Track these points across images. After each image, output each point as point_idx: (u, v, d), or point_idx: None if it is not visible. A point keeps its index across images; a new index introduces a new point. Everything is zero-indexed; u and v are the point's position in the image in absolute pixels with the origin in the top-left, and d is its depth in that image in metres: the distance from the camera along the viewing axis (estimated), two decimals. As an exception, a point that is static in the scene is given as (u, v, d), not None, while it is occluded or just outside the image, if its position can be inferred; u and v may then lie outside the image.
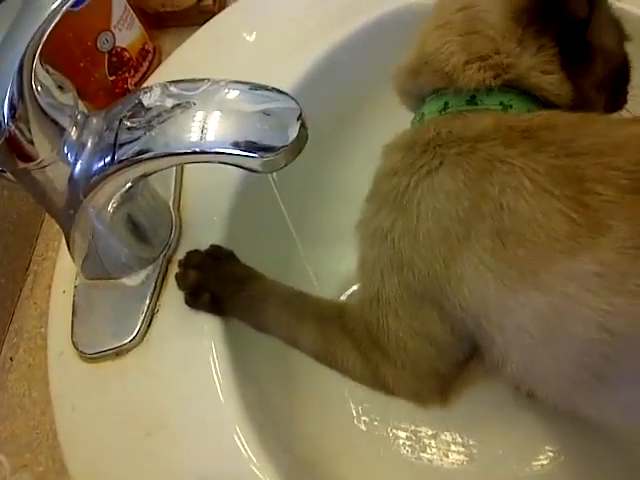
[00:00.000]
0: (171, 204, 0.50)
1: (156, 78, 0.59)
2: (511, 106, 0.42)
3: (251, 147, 0.36)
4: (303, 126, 0.36)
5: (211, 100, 0.37)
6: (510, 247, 0.36)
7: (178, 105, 0.37)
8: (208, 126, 0.36)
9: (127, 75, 0.64)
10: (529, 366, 0.39)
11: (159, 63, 0.67)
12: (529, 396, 0.44)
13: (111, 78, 0.63)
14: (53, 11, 0.32)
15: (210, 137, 0.36)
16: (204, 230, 0.49)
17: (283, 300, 0.48)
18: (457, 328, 0.41)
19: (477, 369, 0.45)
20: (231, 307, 0.47)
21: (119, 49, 0.62)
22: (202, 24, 0.61)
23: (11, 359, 0.54)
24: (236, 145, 0.36)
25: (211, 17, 0.62)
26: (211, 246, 0.48)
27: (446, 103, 0.44)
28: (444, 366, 0.44)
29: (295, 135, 0.36)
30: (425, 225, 0.39)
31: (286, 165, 0.37)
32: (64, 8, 0.33)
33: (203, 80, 0.38)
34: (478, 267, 0.37)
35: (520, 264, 0.36)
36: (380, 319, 0.44)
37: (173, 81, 0.38)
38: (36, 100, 0.35)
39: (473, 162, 0.38)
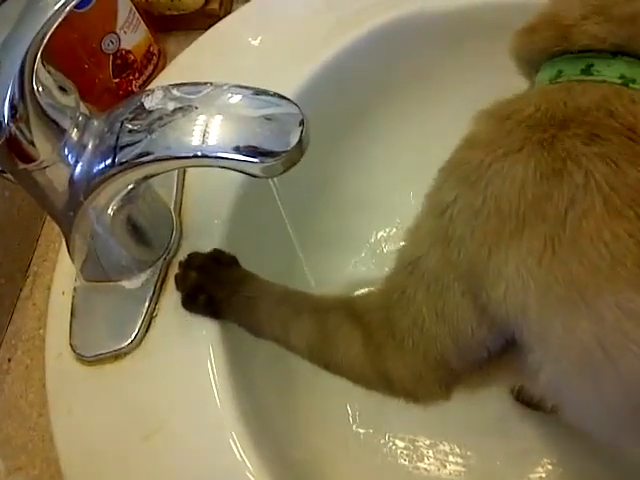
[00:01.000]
0: (172, 207, 0.50)
1: (161, 81, 0.59)
2: (634, 80, 0.36)
3: (252, 152, 0.36)
4: (304, 132, 0.36)
5: (213, 104, 0.37)
6: (563, 260, 0.33)
7: (180, 108, 0.36)
8: (209, 130, 0.36)
9: (131, 77, 0.64)
10: (565, 389, 0.36)
11: (164, 66, 0.67)
12: (551, 411, 0.42)
13: (115, 80, 0.63)
14: (55, 12, 0.32)
15: (211, 141, 0.36)
16: (205, 234, 0.49)
17: (279, 297, 0.47)
18: (486, 323, 0.37)
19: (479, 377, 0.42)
20: (227, 309, 0.46)
21: (124, 51, 0.62)
22: (207, 28, 0.61)
23: (9, 360, 0.53)
24: (237, 150, 0.36)
25: (217, 21, 0.62)
26: (214, 250, 0.48)
27: (559, 71, 0.39)
28: (456, 359, 0.40)
29: (296, 141, 0.36)
30: (487, 209, 0.36)
31: (287, 171, 0.37)
32: (67, 9, 0.33)
33: (205, 84, 0.37)
34: (519, 269, 0.34)
35: (571, 281, 0.32)
36: (409, 288, 0.40)
37: (175, 84, 0.38)
38: (37, 101, 0.35)
39: (549, 157, 0.34)
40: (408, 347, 0.40)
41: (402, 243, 0.43)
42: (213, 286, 0.46)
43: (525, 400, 0.53)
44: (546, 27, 0.40)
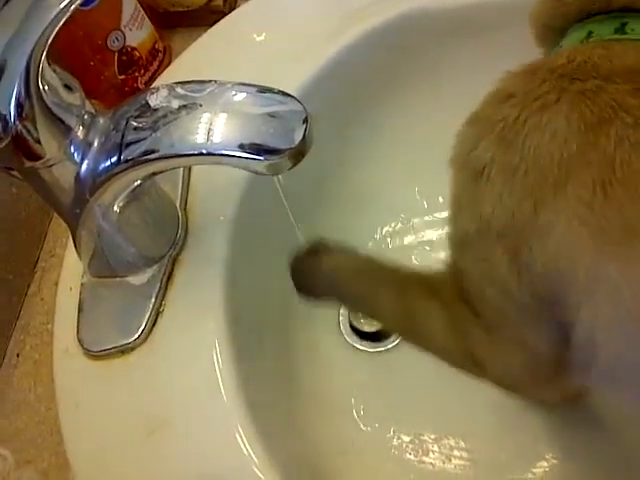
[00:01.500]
0: (178, 204, 0.50)
1: (166, 77, 0.59)
2: None
3: (256, 150, 0.36)
4: (308, 129, 0.36)
5: (217, 102, 0.37)
6: (616, 202, 0.31)
7: (184, 106, 0.37)
8: (214, 128, 0.36)
9: (137, 74, 0.64)
10: (622, 354, 0.33)
11: (169, 62, 0.67)
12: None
13: (121, 77, 0.63)
14: (60, 11, 0.32)
15: (216, 139, 0.37)
16: (210, 230, 0.50)
17: (354, 271, 0.46)
18: (530, 284, 0.35)
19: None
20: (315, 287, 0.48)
21: (129, 48, 0.62)
22: (212, 24, 0.61)
23: (17, 355, 0.54)
24: (241, 147, 0.36)
25: (221, 17, 0.62)
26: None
27: (590, 32, 0.37)
28: (529, 334, 0.37)
29: (300, 138, 0.36)
30: (525, 164, 0.34)
31: (292, 168, 0.37)
32: (72, 8, 0.33)
33: (210, 82, 0.38)
34: (571, 220, 0.32)
35: (627, 224, 0.30)
36: (460, 260, 0.39)
37: (180, 82, 0.38)
38: (43, 99, 0.35)
39: (594, 106, 0.33)
40: (484, 324, 0.38)
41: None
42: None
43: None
44: None
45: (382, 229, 0.66)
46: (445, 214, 0.64)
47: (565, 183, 0.32)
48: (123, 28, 0.61)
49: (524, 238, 0.34)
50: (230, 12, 0.64)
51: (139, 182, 0.41)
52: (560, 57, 0.36)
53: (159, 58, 0.66)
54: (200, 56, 0.60)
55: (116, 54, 0.61)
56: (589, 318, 0.32)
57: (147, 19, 0.64)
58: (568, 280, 0.32)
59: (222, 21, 0.62)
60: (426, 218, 0.65)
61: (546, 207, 0.33)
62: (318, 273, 0.48)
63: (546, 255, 0.33)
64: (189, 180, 0.52)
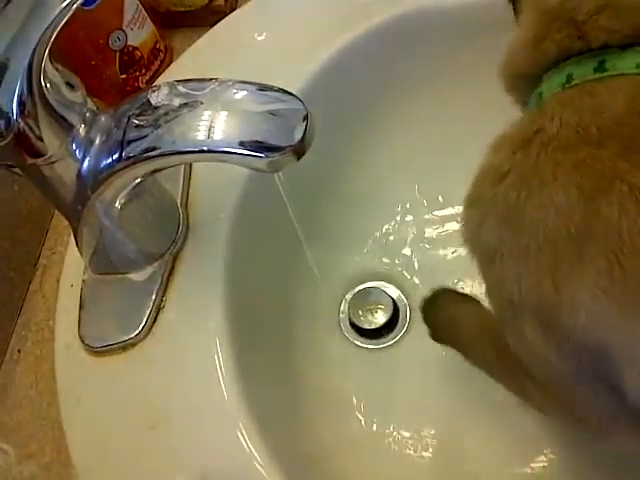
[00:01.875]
0: (179, 201, 0.51)
1: (167, 77, 0.60)
2: None
3: (257, 147, 0.37)
4: (309, 127, 0.37)
5: (218, 100, 0.37)
6: (632, 271, 0.31)
7: (185, 104, 0.37)
8: (215, 125, 0.37)
9: (138, 73, 0.65)
10: None
11: (170, 62, 0.68)
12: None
13: (122, 76, 0.63)
14: (62, 10, 0.33)
15: (216, 136, 0.37)
16: (211, 227, 0.50)
17: (472, 328, 0.48)
18: (575, 353, 0.35)
19: None
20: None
21: (130, 48, 0.62)
22: (213, 24, 0.62)
23: (19, 351, 0.54)
24: (242, 145, 0.37)
25: (222, 17, 0.62)
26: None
27: (569, 75, 0.36)
28: (567, 390, 0.38)
29: (301, 136, 0.36)
30: (536, 242, 0.34)
31: (292, 164, 0.38)
32: (73, 7, 0.33)
33: (210, 80, 0.38)
34: (595, 292, 0.32)
35: None
36: (503, 333, 0.40)
37: (181, 80, 0.38)
38: (45, 97, 0.36)
39: (590, 177, 0.33)
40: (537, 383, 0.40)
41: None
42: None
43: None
44: (557, 30, 0.37)
45: (382, 227, 0.66)
46: (445, 212, 0.65)
47: (579, 257, 0.33)
48: (125, 28, 0.61)
49: (552, 315, 0.34)
50: (231, 12, 0.64)
51: (140, 179, 0.42)
52: (551, 121, 0.36)
53: (160, 58, 0.67)
54: (201, 56, 0.60)
55: (117, 54, 0.62)
56: (634, 381, 0.33)
57: (148, 19, 0.64)
58: (606, 347, 0.33)
59: (223, 21, 0.62)
60: (426, 216, 0.66)
61: (566, 283, 0.33)
62: (438, 322, 0.51)
63: (580, 329, 0.33)
64: (190, 177, 0.53)
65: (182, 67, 0.60)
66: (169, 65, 0.65)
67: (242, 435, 0.42)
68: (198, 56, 0.60)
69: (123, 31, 0.61)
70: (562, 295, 0.33)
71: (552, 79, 0.38)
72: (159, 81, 0.61)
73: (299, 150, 0.37)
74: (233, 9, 0.68)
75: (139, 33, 0.63)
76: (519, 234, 0.35)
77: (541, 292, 0.34)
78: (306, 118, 0.37)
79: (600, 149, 0.33)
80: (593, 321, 0.33)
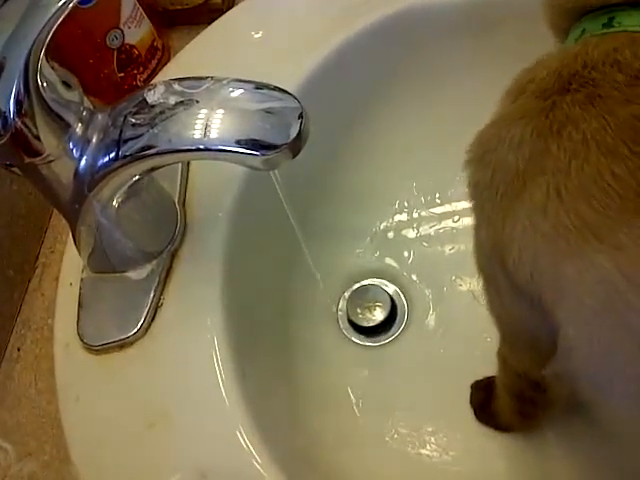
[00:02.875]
0: (176, 199, 0.51)
1: (165, 75, 0.60)
2: None
3: (253, 145, 0.37)
4: (304, 124, 0.37)
5: (214, 98, 0.37)
6: (570, 205, 0.32)
7: (181, 102, 0.37)
8: (210, 123, 0.37)
9: (136, 72, 0.65)
10: (586, 336, 0.33)
11: (168, 60, 0.68)
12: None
13: (120, 75, 0.63)
14: (58, 9, 0.33)
15: (212, 135, 0.37)
16: (208, 226, 0.50)
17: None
18: (516, 292, 0.36)
19: None
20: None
21: (128, 46, 0.62)
22: (211, 22, 0.62)
23: (18, 349, 0.55)
24: (238, 143, 0.37)
25: (220, 15, 0.62)
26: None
27: (583, 30, 0.38)
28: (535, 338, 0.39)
29: (296, 133, 0.37)
30: (496, 179, 0.35)
31: (290, 161, 0.38)
32: (70, 6, 0.34)
33: (206, 78, 0.38)
34: (525, 226, 0.33)
35: (582, 224, 0.31)
36: (484, 284, 0.41)
37: (177, 79, 0.39)
38: (42, 96, 0.36)
39: (547, 120, 0.34)
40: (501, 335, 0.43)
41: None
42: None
43: (485, 419, 0.55)
44: None
45: (380, 224, 0.66)
46: (442, 209, 0.65)
47: (522, 192, 0.34)
48: (122, 26, 0.61)
49: (502, 252, 0.35)
50: (228, 10, 0.64)
51: (137, 178, 0.42)
52: (543, 69, 0.37)
53: (158, 56, 0.67)
54: (199, 53, 0.60)
55: (115, 52, 0.62)
56: (562, 319, 0.33)
57: (146, 17, 0.64)
58: (538, 283, 0.34)
59: (220, 19, 0.62)
60: (424, 214, 0.66)
61: (508, 218, 0.34)
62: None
63: (514, 264, 0.34)
64: (188, 175, 0.53)
65: (180, 65, 0.60)
66: (167, 63, 0.65)
67: (240, 433, 0.42)
68: (195, 54, 0.60)
69: (120, 29, 0.61)
70: (505, 229, 0.34)
71: (572, 33, 0.39)
72: (157, 79, 0.61)
73: (294, 148, 0.37)
74: (230, 7, 0.68)
75: (136, 31, 0.63)
76: (486, 169, 0.36)
77: (496, 229, 0.35)
78: (301, 116, 0.37)
79: (565, 95, 0.35)
80: (524, 255, 0.33)
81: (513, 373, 0.44)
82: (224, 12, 0.63)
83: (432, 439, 0.55)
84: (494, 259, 0.36)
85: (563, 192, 0.32)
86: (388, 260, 0.65)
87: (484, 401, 0.54)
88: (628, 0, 0.37)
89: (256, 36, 0.60)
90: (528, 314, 0.36)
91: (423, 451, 0.55)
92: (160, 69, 0.66)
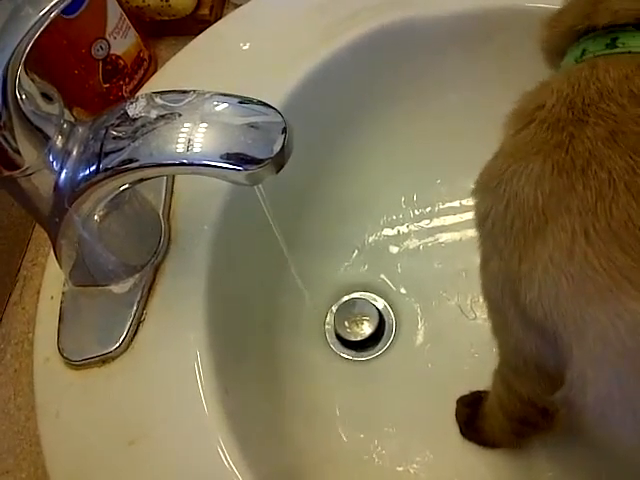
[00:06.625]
0: (160, 212, 0.50)
1: (151, 86, 0.59)
2: None
3: (236, 160, 0.36)
4: (287, 139, 0.36)
5: (197, 112, 0.37)
6: (600, 248, 0.31)
7: (162, 116, 0.37)
8: (192, 138, 0.36)
9: (122, 83, 0.64)
10: (610, 392, 0.33)
11: (155, 71, 0.67)
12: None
13: (106, 85, 0.63)
14: (38, 21, 0.32)
15: (194, 149, 0.36)
16: (193, 239, 0.50)
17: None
18: (529, 327, 0.36)
19: None
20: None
21: (114, 57, 0.62)
22: (198, 33, 0.62)
23: (-3, 363, 0.54)
24: (221, 157, 0.36)
25: (207, 26, 0.62)
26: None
27: (584, 50, 0.38)
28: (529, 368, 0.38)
29: (279, 148, 0.36)
30: (510, 212, 0.35)
31: (274, 176, 0.37)
32: (51, 16, 0.33)
33: (189, 92, 0.38)
34: (547, 267, 0.32)
35: (613, 267, 0.31)
36: (489, 314, 0.41)
37: (159, 92, 0.38)
38: (20, 109, 0.35)
39: (568, 157, 0.33)
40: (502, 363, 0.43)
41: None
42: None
43: (471, 436, 0.55)
44: (573, 6, 0.39)
45: (369, 238, 0.66)
46: (431, 223, 0.65)
47: (544, 230, 0.33)
48: (108, 37, 0.60)
49: (518, 288, 0.34)
50: (216, 21, 0.64)
51: (120, 191, 0.41)
52: (551, 94, 0.36)
53: (144, 67, 0.66)
54: (186, 65, 0.60)
55: (100, 63, 0.61)
56: (580, 357, 0.33)
57: (132, 28, 0.64)
58: (558, 323, 0.33)
59: (208, 30, 0.62)
60: (412, 227, 0.66)
61: (527, 256, 0.34)
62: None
63: (531, 301, 0.34)
64: (172, 188, 0.52)
65: (166, 76, 0.59)
66: (153, 74, 0.65)
67: (222, 450, 0.41)
68: (182, 65, 0.60)
69: (106, 40, 0.60)
70: (522, 267, 0.34)
71: (571, 53, 0.39)
72: (143, 90, 0.60)
73: (278, 163, 0.36)
74: (218, 18, 0.68)
75: (122, 42, 0.62)
76: (499, 201, 0.36)
77: (509, 264, 0.35)
78: (285, 131, 0.36)
79: (584, 128, 0.34)
80: (544, 295, 0.33)
81: (517, 398, 0.43)
82: (212, 23, 0.63)
83: (418, 458, 0.54)
84: (506, 291, 0.36)
85: (592, 234, 0.31)
86: (376, 274, 0.64)
87: (470, 417, 0.54)
88: (629, 22, 0.37)
89: (244, 48, 0.60)
90: (536, 342, 0.36)
91: (411, 470, 0.54)
92: (146, 80, 0.65)
